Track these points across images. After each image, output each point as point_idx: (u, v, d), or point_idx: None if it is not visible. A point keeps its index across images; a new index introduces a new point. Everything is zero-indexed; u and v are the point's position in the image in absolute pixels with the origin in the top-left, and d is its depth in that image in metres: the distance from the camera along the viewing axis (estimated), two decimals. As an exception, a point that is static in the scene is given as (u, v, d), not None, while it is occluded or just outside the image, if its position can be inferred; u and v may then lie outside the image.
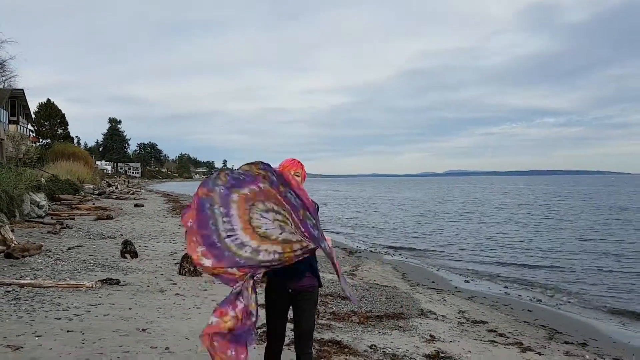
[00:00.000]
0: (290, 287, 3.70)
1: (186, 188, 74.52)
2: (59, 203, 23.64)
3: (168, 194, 50.09)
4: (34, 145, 44.52)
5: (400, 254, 15.98)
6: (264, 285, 3.87)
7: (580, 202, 45.82)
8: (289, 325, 3.97)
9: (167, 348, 5.24)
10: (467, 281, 11.78)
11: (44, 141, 61.62)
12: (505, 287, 11.31)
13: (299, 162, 3.84)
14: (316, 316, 5.46)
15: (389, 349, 5.69)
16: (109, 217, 19.38)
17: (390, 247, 17.82)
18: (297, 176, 3.69)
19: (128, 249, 10.98)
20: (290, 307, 3.82)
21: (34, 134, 59.33)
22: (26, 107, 50.70)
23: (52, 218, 17.67)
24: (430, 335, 6.54)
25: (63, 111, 72.52)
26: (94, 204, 26.69)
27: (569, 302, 10.05)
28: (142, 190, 57.28)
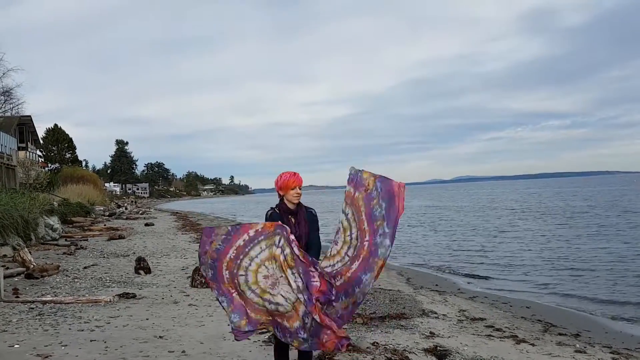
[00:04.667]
0: None
1: (194, 206, 75.34)
2: (71, 225, 24.22)
3: (177, 212, 50.66)
4: (43, 170, 45.39)
5: (405, 258, 16.33)
6: None
7: (590, 204, 45.92)
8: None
9: (183, 351, 5.68)
10: (470, 283, 12.14)
11: (52, 166, 62.63)
12: (508, 286, 11.65)
13: (297, 175, 4.29)
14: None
15: (390, 345, 6.09)
16: (121, 237, 19.88)
17: (396, 254, 18.14)
18: (298, 194, 4.25)
19: (142, 265, 11.45)
20: None
21: (43, 159, 60.34)
22: (34, 132, 51.69)
23: (66, 240, 18.20)
24: (430, 332, 6.93)
25: (70, 135, 73.83)
26: (105, 225, 27.26)
27: (568, 299, 10.36)
28: (151, 210, 57.92)
